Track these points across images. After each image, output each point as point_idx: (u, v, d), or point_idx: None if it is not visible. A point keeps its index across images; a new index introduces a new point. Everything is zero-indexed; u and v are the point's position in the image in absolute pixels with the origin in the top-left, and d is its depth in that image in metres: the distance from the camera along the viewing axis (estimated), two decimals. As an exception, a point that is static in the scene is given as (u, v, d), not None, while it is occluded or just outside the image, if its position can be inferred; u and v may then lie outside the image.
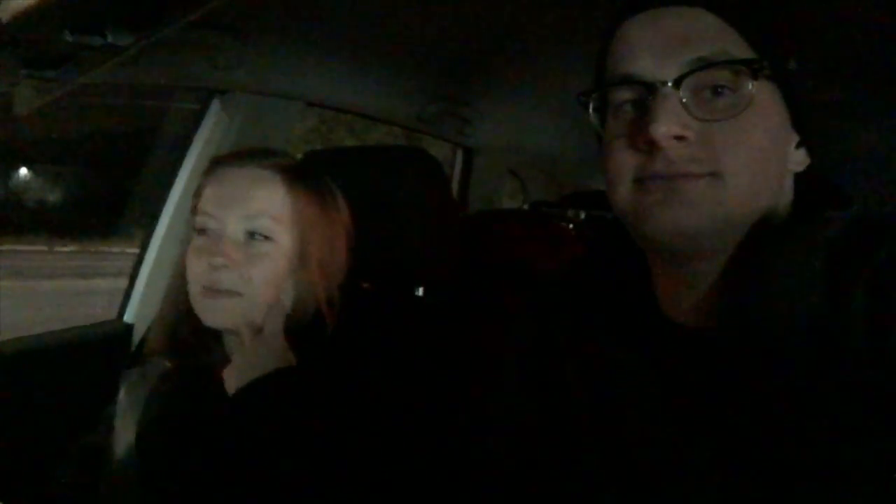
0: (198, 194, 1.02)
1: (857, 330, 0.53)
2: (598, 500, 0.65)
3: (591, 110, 0.66)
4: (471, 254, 1.62)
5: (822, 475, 0.52)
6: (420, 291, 1.45)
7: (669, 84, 0.58)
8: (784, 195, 0.64)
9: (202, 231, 0.98)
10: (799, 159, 0.65)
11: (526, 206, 2.69)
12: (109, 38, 0.44)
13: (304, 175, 1.03)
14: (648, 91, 0.60)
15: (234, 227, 0.96)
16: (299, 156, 1.43)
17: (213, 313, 0.96)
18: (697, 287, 0.63)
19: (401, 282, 1.27)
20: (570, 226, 2.01)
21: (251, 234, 0.97)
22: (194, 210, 1.02)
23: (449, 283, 1.45)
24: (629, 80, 0.61)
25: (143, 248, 1.53)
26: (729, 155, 0.58)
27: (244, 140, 1.48)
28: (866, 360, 0.52)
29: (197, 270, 0.96)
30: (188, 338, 1.02)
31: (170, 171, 1.52)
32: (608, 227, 0.77)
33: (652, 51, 0.60)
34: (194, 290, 0.97)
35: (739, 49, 0.59)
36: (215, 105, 1.48)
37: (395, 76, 1.69)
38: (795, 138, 0.64)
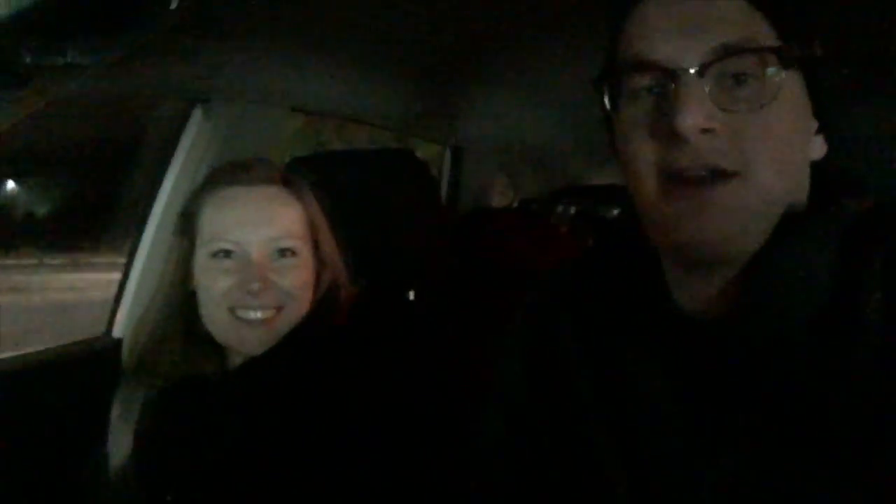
0: (194, 213, 1.01)
1: (872, 317, 0.52)
2: (609, 492, 0.63)
3: (605, 97, 0.62)
4: (462, 255, 1.61)
5: (834, 465, 0.51)
6: (411, 295, 1.43)
7: (692, 72, 0.55)
8: (803, 186, 0.62)
9: (223, 255, 0.97)
10: (817, 148, 0.63)
11: (515, 204, 2.69)
12: (70, 58, 0.43)
13: (308, 185, 1.05)
14: (670, 78, 0.56)
15: (261, 249, 0.97)
16: (286, 159, 1.42)
17: (246, 341, 0.97)
18: (713, 280, 0.61)
19: (391, 286, 1.26)
20: (561, 222, 2.00)
21: (280, 254, 0.98)
22: (187, 229, 1.01)
23: (440, 286, 1.44)
24: (649, 66, 0.58)
25: (130, 260, 1.50)
26: (756, 149, 0.56)
27: (228, 149, 1.46)
28: (881, 348, 0.51)
29: (222, 293, 0.96)
30: (185, 351, 1.01)
31: (154, 182, 1.50)
32: (616, 220, 0.76)
33: (673, 35, 0.57)
34: (218, 313, 0.97)
35: (764, 34, 0.57)
36: (197, 113, 1.46)
37: (380, 76, 1.67)
38: (815, 126, 0.62)
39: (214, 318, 0.98)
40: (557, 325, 0.74)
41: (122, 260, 1.54)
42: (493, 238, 1.67)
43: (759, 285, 0.58)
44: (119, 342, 1.44)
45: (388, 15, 1.27)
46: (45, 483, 1.16)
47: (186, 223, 1.02)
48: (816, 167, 0.63)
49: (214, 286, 0.96)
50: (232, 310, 0.96)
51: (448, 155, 2.43)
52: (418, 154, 1.59)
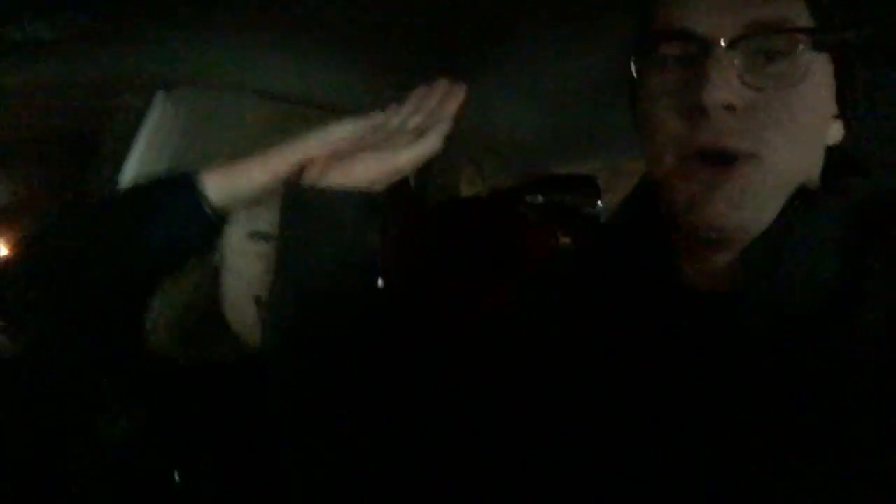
0: None
1: (873, 298, 0.52)
2: (610, 465, 0.62)
3: (633, 66, 0.62)
4: (432, 244, 1.61)
5: (832, 443, 0.51)
6: (380, 283, 1.43)
7: (723, 44, 0.55)
8: (816, 169, 0.62)
9: (260, 237, 0.95)
10: (835, 133, 0.63)
11: (484, 193, 2.68)
12: (29, 32, 0.41)
13: None
14: (700, 48, 0.56)
15: None
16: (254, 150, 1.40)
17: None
18: (721, 256, 0.62)
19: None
20: (530, 211, 2.01)
21: None
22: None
23: (409, 274, 1.44)
24: (682, 35, 0.58)
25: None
26: (774, 131, 0.56)
27: (193, 136, 1.44)
28: (881, 328, 0.52)
29: (252, 278, 0.93)
30: (205, 334, 0.99)
31: (116, 171, 1.47)
32: (628, 197, 0.75)
33: (709, 7, 0.57)
34: (242, 300, 0.94)
35: (799, 14, 0.57)
36: (159, 100, 1.44)
37: (348, 63, 1.66)
38: (835, 110, 0.62)
39: (236, 305, 0.95)
40: (559, 300, 0.73)
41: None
42: (462, 228, 1.67)
43: (761, 261, 0.58)
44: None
45: (356, 1, 1.26)
46: (36, 458, 1.13)
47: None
48: (829, 151, 0.63)
49: (245, 270, 0.93)
50: (258, 299, 0.93)
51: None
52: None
